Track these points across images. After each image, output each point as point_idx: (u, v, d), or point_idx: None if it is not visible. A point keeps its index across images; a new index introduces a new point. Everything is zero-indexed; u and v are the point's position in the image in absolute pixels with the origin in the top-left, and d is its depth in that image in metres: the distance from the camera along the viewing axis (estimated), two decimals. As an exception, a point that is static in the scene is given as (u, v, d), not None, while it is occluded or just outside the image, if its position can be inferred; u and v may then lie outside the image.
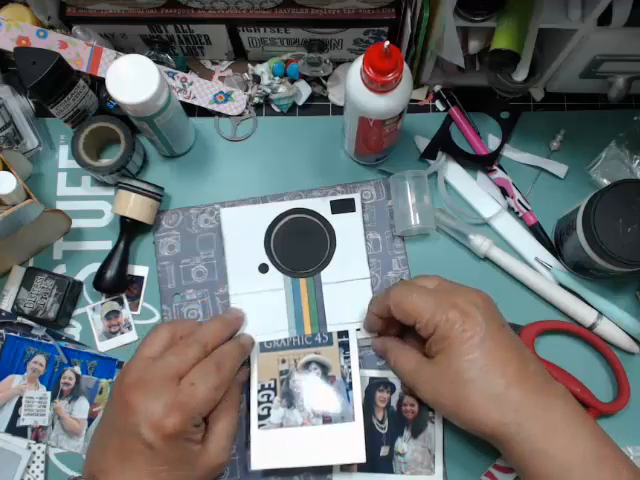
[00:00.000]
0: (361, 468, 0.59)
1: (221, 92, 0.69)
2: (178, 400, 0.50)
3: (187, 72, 0.70)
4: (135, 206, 0.63)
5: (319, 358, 0.60)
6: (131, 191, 0.63)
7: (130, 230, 0.64)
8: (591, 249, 0.57)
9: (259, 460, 0.57)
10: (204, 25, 0.64)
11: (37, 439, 0.61)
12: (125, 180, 0.63)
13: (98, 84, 0.67)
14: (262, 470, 0.59)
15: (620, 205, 0.56)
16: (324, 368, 0.59)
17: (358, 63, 0.53)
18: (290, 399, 0.58)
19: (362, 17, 0.62)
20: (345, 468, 0.59)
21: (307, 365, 0.59)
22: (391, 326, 0.59)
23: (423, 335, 0.53)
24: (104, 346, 0.63)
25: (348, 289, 0.63)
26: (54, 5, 0.63)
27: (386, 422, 0.60)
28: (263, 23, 0.63)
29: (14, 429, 0.61)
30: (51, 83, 0.59)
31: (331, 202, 0.65)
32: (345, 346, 0.59)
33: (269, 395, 0.58)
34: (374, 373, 0.62)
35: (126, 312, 0.64)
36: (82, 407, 0.62)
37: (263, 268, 0.63)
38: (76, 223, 0.66)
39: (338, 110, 0.69)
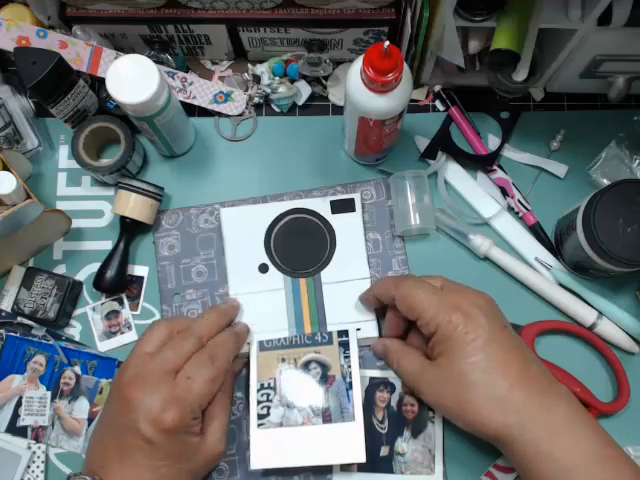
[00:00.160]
0: (361, 468, 0.59)
1: (221, 92, 0.69)
2: (175, 394, 0.50)
3: (187, 72, 0.70)
4: (135, 206, 0.63)
5: (319, 357, 0.60)
6: (131, 191, 0.63)
7: (130, 230, 0.64)
8: (591, 249, 0.57)
9: (259, 460, 0.57)
10: (204, 25, 0.64)
11: (37, 439, 0.61)
12: (125, 180, 0.63)
13: (98, 84, 0.67)
14: (262, 470, 0.59)
15: (620, 205, 0.56)
16: (324, 367, 0.59)
17: (358, 63, 0.53)
18: (289, 398, 0.58)
19: (362, 17, 0.62)
20: (345, 468, 0.59)
21: (307, 364, 0.59)
22: (393, 325, 0.59)
23: (425, 333, 0.53)
24: (104, 346, 0.63)
25: (348, 289, 0.63)
26: (54, 5, 0.63)
27: (386, 422, 0.60)
28: (263, 23, 0.63)
29: (14, 429, 0.61)
30: (51, 83, 0.59)
31: (331, 202, 0.65)
32: (345, 345, 0.59)
33: (269, 394, 0.58)
34: (374, 373, 0.62)
35: (126, 312, 0.64)
36: (82, 407, 0.62)
37: (263, 268, 0.63)
38: (76, 223, 0.66)
39: (338, 110, 0.69)
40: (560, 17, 0.56)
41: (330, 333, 0.60)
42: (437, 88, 0.69)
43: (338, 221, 0.64)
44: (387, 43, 0.49)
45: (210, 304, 0.64)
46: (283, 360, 0.60)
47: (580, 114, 0.69)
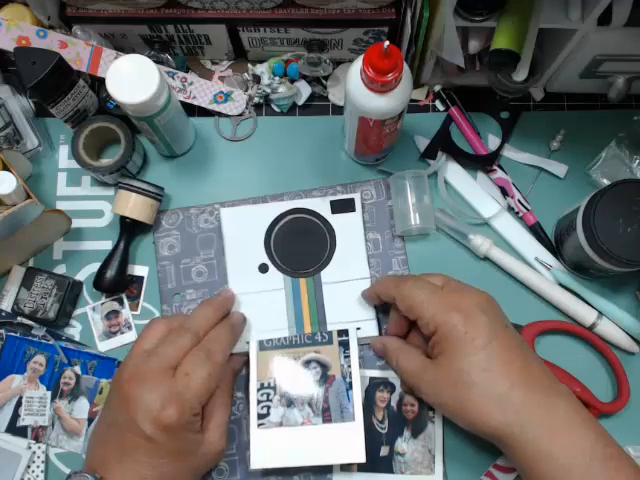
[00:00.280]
0: (361, 468, 0.59)
1: (221, 92, 0.69)
2: (174, 391, 0.51)
3: (187, 72, 0.70)
4: (135, 206, 0.63)
5: (319, 357, 0.60)
6: (131, 191, 0.63)
7: (130, 230, 0.64)
8: (591, 249, 0.57)
9: (259, 459, 0.57)
10: (204, 25, 0.64)
11: (37, 439, 0.61)
12: (125, 180, 0.63)
13: (98, 84, 0.67)
14: (262, 469, 0.59)
15: (620, 205, 0.56)
16: (324, 367, 0.59)
17: (358, 63, 0.53)
18: (289, 397, 0.58)
19: (362, 17, 0.62)
20: (345, 468, 0.59)
21: (307, 364, 0.59)
22: (396, 325, 0.59)
23: (425, 332, 0.53)
24: (104, 346, 0.63)
25: (348, 289, 0.63)
26: (54, 5, 0.63)
27: (386, 422, 0.60)
28: (263, 23, 0.63)
29: (14, 429, 0.61)
30: (51, 83, 0.59)
31: (331, 202, 0.65)
32: (345, 345, 0.59)
33: (269, 394, 0.58)
34: (374, 373, 0.62)
35: (126, 312, 0.64)
36: (82, 407, 0.62)
37: (263, 268, 0.63)
38: (76, 223, 0.66)
39: (338, 110, 0.69)
40: (560, 17, 0.56)
41: (330, 333, 0.60)
42: (437, 88, 0.69)
43: (338, 221, 0.64)
44: (387, 43, 0.49)
45: (210, 304, 0.64)
46: (283, 360, 0.60)
47: (580, 114, 0.69)
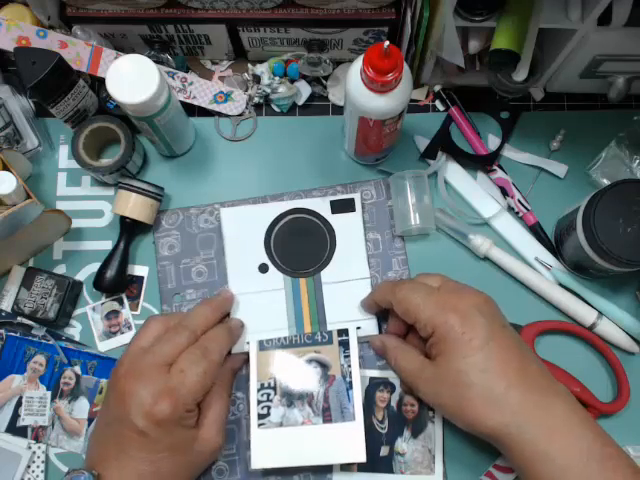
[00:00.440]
0: (361, 468, 0.59)
1: (221, 92, 0.69)
2: (168, 387, 0.51)
3: (187, 72, 0.70)
4: (135, 206, 0.63)
5: (319, 357, 0.60)
6: (131, 191, 0.63)
7: (130, 230, 0.64)
8: (591, 249, 0.57)
9: (259, 459, 0.57)
10: (204, 25, 0.64)
11: (37, 439, 0.61)
12: (125, 180, 0.63)
13: (98, 84, 0.67)
14: (262, 469, 0.59)
15: (620, 205, 0.56)
16: (324, 367, 0.59)
17: (358, 63, 0.53)
18: (290, 397, 0.58)
19: (362, 17, 0.62)
20: (345, 468, 0.59)
21: (307, 364, 0.59)
22: (395, 326, 0.59)
23: (423, 335, 0.53)
24: (104, 346, 0.63)
25: (348, 289, 0.63)
26: (54, 5, 0.63)
27: (386, 422, 0.60)
28: (263, 23, 0.63)
29: (14, 429, 0.61)
30: (51, 83, 0.59)
31: (331, 202, 0.65)
32: (345, 345, 0.59)
33: (269, 394, 0.58)
34: (374, 373, 0.62)
35: (126, 312, 0.64)
36: (82, 407, 0.62)
37: (263, 268, 0.63)
38: (76, 223, 0.66)
39: (338, 110, 0.69)
40: (560, 17, 0.56)
41: (330, 332, 0.60)
42: (437, 88, 0.69)
43: (338, 221, 0.64)
44: (387, 43, 0.49)
45: (210, 304, 0.64)
46: (283, 360, 0.60)
47: (580, 114, 0.69)
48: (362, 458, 0.56)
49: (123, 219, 0.63)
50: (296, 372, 0.59)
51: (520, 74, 0.60)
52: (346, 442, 0.57)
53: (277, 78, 0.68)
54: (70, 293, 0.62)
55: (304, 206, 0.65)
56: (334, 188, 0.67)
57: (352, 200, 0.65)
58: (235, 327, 0.60)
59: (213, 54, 0.70)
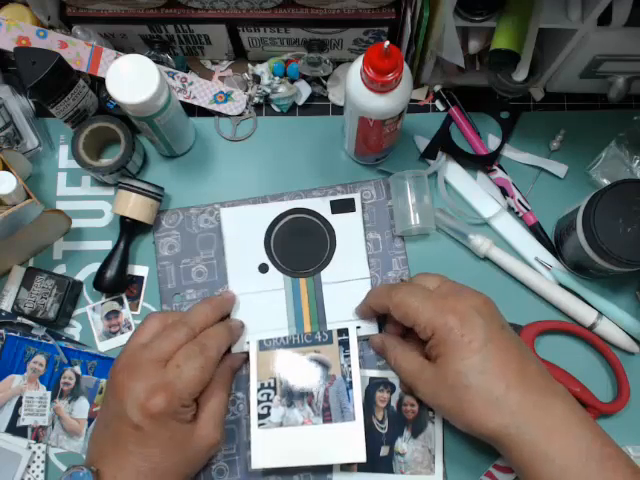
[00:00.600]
0: (361, 468, 0.59)
1: (221, 92, 0.69)
2: (164, 381, 0.51)
3: (187, 72, 0.70)
4: (135, 206, 0.63)
5: (319, 357, 0.60)
6: (131, 191, 0.63)
7: (130, 230, 0.64)
8: (591, 249, 0.57)
9: (259, 459, 0.57)
10: (204, 25, 0.64)
11: (37, 439, 0.61)
12: (125, 180, 0.63)
13: (98, 84, 0.67)
14: (262, 469, 0.59)
15: (620, 205, 0.56)
16: (324, 367, 0.59)
17: (358, 63, 0.53)
18: (290, 397, 0.58)
19: (362, 17, 0.62)
20: (345, 468, 0.59)
21: (307, 364, 0.59)
22: (393, 329, 0.59)
23: (422, 338, 0.53)
24: (104, 346, 0.63)
25: (348, 289, 0.63)
26: (54, 5, 0.63)
27: (386, 422, 0.60)
28: (263, 23, 0.63)
29: (14, 429, 0.61)
30: (51, 83, 0.59)
31: (331, 202, 0.65)
32: (345, 344, 0.59)
33: (269, 394, 0.58)
34: (374, 373, 0.62)
35: (126, 312, 0.64)
36: (82, 407, 0.62)
37: (263, 268, 0.63)
38: (76, 223, 0.66)
39: (338, 110, 0.69)
40: (560, 17, 0.56)
41: (330, 332, 0.60)
42: (437, 88, 0.69)
43: (338, 221, 0.64)
44: (387, 43, 0.49)
45: (210, 304, 0.64)
46: (283, 360, 0.60)
47: (580, 114, 0.69)
48: (362, 458, 0.56)
49: (123, 219, 0.63)
50: (296, 372, 0.59)
51: (520, 74, 0.60)
52: (346, 442, 0.57)
53: (277, 78, 0.68)
54: (70, 293, 0.62)
55: (304, 206, 0.65)
56: (334, 188, 0.67)
57: (352, 200, 0.65)
58: (235, 327, 0.60)
59: (213, 54, 0.70)
